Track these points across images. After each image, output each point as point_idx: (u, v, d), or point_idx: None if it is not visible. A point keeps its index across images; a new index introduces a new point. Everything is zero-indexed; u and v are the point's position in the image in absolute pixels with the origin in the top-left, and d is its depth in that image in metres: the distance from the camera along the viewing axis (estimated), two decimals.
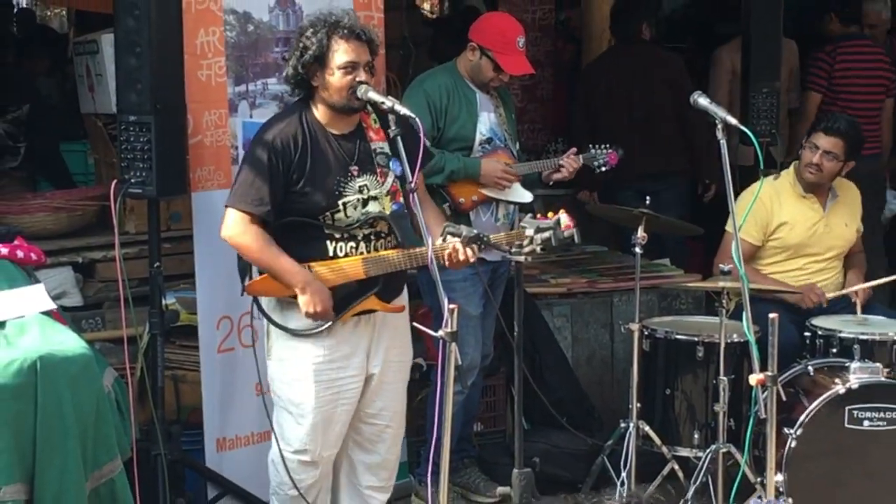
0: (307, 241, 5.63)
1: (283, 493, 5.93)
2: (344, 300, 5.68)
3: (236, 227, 5.56)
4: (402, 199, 5.80)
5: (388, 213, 5.72)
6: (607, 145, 7.21)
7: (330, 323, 5.67)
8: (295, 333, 5.72)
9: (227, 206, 5.64)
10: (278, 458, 5.85)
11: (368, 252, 5.71)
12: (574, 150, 7.08)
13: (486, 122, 6.91)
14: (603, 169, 7.16)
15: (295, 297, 5.61)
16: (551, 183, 7.15)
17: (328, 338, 5.72)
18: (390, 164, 5.75)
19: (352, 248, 5.67)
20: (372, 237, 5.73)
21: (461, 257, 5.51)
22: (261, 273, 5.67)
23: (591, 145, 7.21)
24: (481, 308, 6.91)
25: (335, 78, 5.58)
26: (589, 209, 8.46)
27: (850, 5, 10.20)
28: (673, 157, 9.52)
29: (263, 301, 5.78)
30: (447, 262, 5.51)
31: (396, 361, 5.98)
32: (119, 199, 5.97)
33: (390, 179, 5.75)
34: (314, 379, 5.72)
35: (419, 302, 7.21)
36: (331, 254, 5.65)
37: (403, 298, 6.04)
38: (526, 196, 7.02)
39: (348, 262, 5.65)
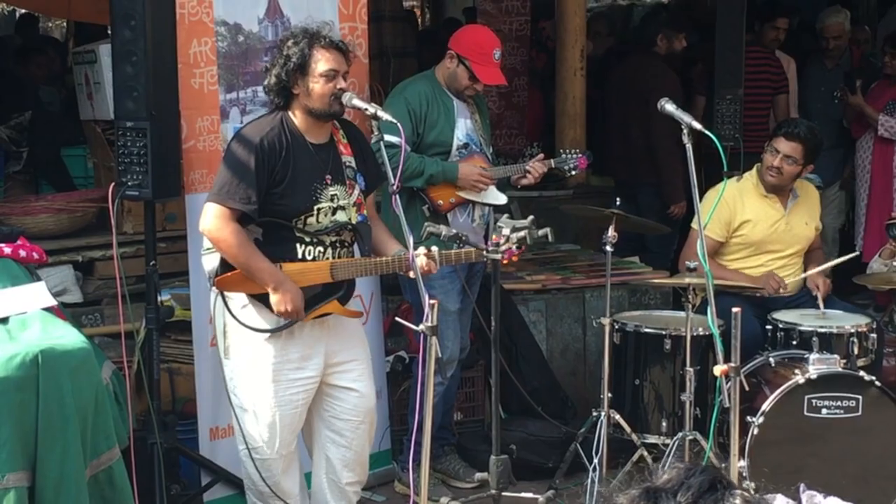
0: (278, 242, 5.60)
1: (255, 489, 5.89)
2: (309, 301, 5.64)
3: (217, 222, 5.49)
4: (365, 212, 5.80)
5: (354, 222, 5.72)
6: (577, 150, 7.27)
7: (295, 322, 5.64)
8: (256, 331, 5.65)
9: (209, 202, 5.56)
10: (244, 457, 5.83)
11: (334, 257, 5.70)
12: (541, 156, 7.11)
13: (463, 127, 6.92)
14: (573, 173, 7.21)
15: (261, 294, 5.58)
16: (519, 186, 7.18)
17: (287, 338, 5.68)
18: (356, 177, 5.76)
19: (319, 252, 5.66)
20: (337, 244, 5.73)
21: (424, 266, 5.54)
22: (231, 268, 5.60)
23: (561, 150, 7.27)
24: (459, 304, 6.92)
25: (318, 85, 5.58)
26: (564, 209, 8.47)
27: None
28: (642, 167, 9.56)
29: (228, 297, 5.69)
30: (410, 273, 5.50)
31: (358, 360, 5.94)
32: (117, 200, 5.95)
33: (356, 192, 5.76)
34: (272, 378, 5.66)
35: (401, 298, 7.22)
36: (300, 256, 5.63)
37: (357, 305, 6.03)
38: (501, 198, 7.04)
39: (316, 266, 5.64)
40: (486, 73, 6.85)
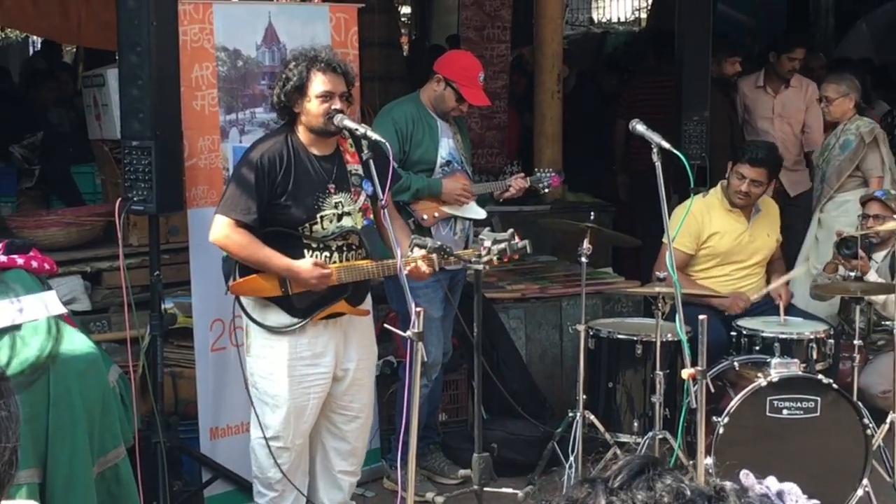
0: (287, 248, 5.66)
1: (262, 477, 5.95)
2: (318, 302, 5.74)
3: (223, 231, 5.62)
4: (371, 216, 5.85)
5: (359, 227, 5.78)
6: (551, 169, 7.37)
7: (305, 321, 5.71)
8: (272, 330, 5.76)
9: (216, 214, 5.69)
10: (257, 444, 5.90)
11: (341, 261, 5.75)
12: (522, 173, 7.22)
13: (446, 146, 6.95)
14: (546, 190, 7.30)
15: (273, 297, 5.66)
16: (501, 200, 7.26)
17: (301, 336, 5.77)
18: (363, 184, 5.80)
19: (326, 256, 5.72)
20: (344, 248, 5.79)
21: (425, 269, 5.58)
22: (243, 274, 5.68)
23: (536, 169, 7.34)
24: (442, 311, 6.93)
25: (313, 105, 5.63)
26: (542, 223, 8.47)
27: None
28: None
29: (245, 301, 5.80)
30: (410, 275, 5.54)
31: (363, 360, 6.04)
32: (123, 214, 5.98)
33: (362, 198, 5.81)
34: (288, 374, 5.77)
35: (387, 306, 7.22)
36: None
37: (367, 304, 6.07)
38: (480, 213, 7.08)
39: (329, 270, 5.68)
40: (473, 94, 6.90)
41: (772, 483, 1.82)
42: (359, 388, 6.02)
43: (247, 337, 5.88)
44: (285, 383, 5.78)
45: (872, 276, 7.40)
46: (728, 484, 1.62)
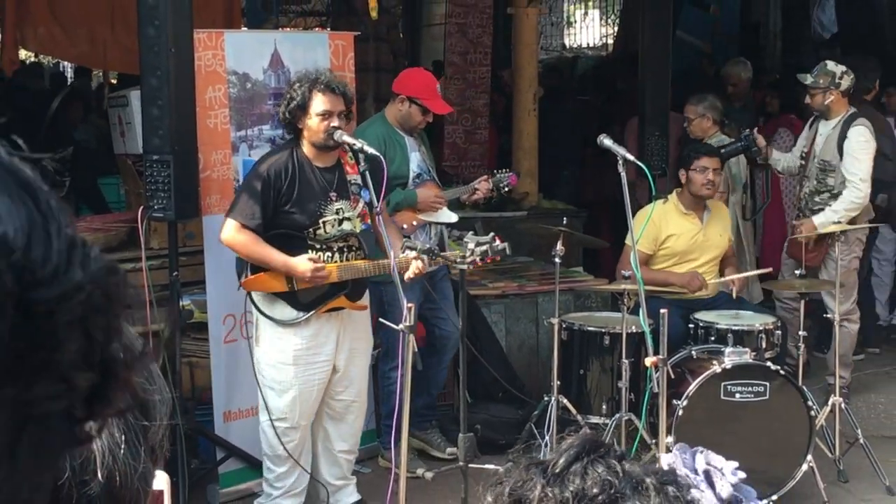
0: (293, 249, 5.68)
1: (272, 454, 5.96)
2: (320, 298, 5.76)
3: (231, 232, 5.65)
4: (369, 221, 5.87)
5: (358, 231, 5.80)
6: (508, 170, 7.57)
7: (309, 315, 5.73)
8: (280, 323, 5.77)
9: (226, 217, 5.73)
10: (266, 426, 5.91)
11: (341, 261, 5.77)
12: (485, 176, 7.34)
13: (415, 160, 6.95)
14: (507, 189, 7.37)
15: (280, 293, 5.68)
16: (470, 203, 7.39)
17: (305, 329, 5.79)
18: (361, 192, 5.81)
19: (328, 257, 5.74)
20: (344, 249, 5.82)
21: (418, 268, 5.61)
22: (253, 272, 5.70)
23: (495, 171, 7.42)
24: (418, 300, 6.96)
25: (314, 122, 5.66)
26: (519, 227, 8.49)
27: None
28: None
29: (255, 295, 5.81)
30: (403, 274, 5.57)
31: (359, 349, 6.06)
32: (145, 221, 6.01)
33: (361, 205, 5.84)
34: (293, 362, 5.79)
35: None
36: None
37: (365, 299, 6.08)
38: (452, 217, 7.08)
39: (326, 268, 5.69)
40: (436, 105, 6.93)
41: (700, 463, 1.81)
42: (355, 376, 6.04)
43: (256, 329, 5.88)
44: (291, 371, 5.79)
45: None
46: (663, 469, 1.60)
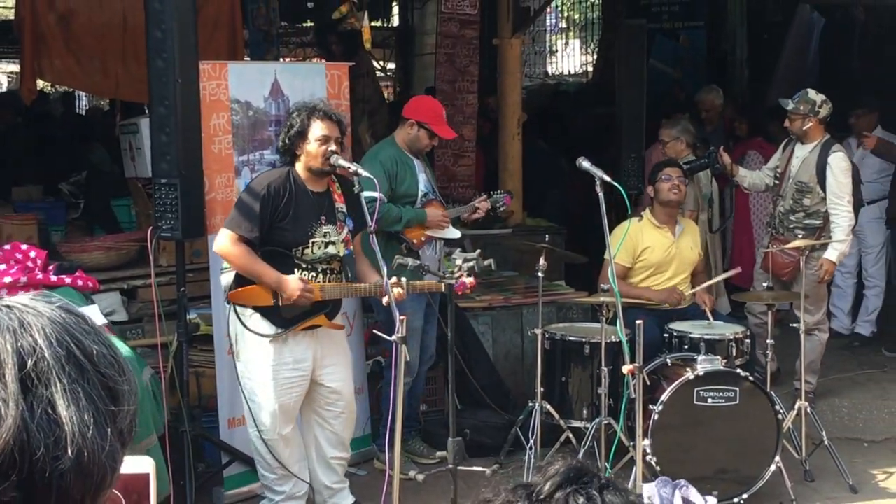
0: (281, 266, 5.64)
1: (263, 461, 5.93)
2: (301, 315, 5.72)
3: (227, 242, 5.60)
4: (351, 247, 5.87)
5: (342, 255, 5.79)
6: (503, 191, 7.60)
7: (287, 331, 5.69)
8: (260, 337, 5.70)
9: (223, 228, 5.68)
10: (254, 437, 5.88)
11: (324, 282, 5.76)
12: (484, 196, 7.38)
13: (423, 180, 6.98)
14: (502, 207, 7.43)
15: (265, 307, 5.64)
16: (470, 221, 7.45)
17: (284, 344, 5.73)
18: (346, 220, 5.81)
19: (312, 276, 5.71)
20: (328, 271, 5.79)
21: (398, 294, 5.53)
22: (240, 286, 5.66)
23: (492, 192, 7.48)
24: (422, 320, 6.94)
25: (313, 147, 5.65)
26: (505, 244, 8.48)
27: None
28: None
29: (239, 310, 5.74)
30: (385, 299, 5.50)
31: (339, 363, 5.99)
32: (154, 240, 5.98)
33: (345, 231, 5.81)
34: (272, 376, 5.72)
35: (374, 315, 7.21)
36: None
37: (340, 320, 6.07)
38: (456, 233, 7.15)
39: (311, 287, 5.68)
40: (443, 130, 6.97)
41: (677, 500, 1.81)
42: (340, 389, 5.98)
43: (236, 343, 5.81)
44: (270, 385, 5.72)
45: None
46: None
